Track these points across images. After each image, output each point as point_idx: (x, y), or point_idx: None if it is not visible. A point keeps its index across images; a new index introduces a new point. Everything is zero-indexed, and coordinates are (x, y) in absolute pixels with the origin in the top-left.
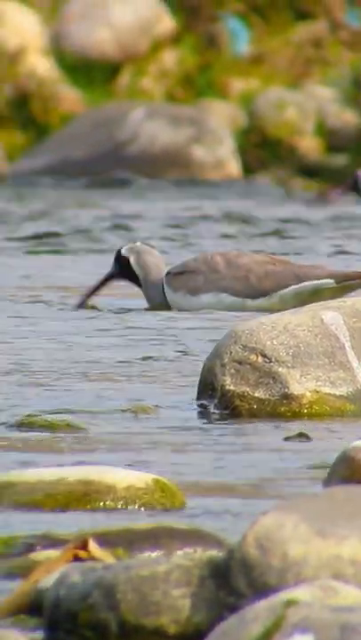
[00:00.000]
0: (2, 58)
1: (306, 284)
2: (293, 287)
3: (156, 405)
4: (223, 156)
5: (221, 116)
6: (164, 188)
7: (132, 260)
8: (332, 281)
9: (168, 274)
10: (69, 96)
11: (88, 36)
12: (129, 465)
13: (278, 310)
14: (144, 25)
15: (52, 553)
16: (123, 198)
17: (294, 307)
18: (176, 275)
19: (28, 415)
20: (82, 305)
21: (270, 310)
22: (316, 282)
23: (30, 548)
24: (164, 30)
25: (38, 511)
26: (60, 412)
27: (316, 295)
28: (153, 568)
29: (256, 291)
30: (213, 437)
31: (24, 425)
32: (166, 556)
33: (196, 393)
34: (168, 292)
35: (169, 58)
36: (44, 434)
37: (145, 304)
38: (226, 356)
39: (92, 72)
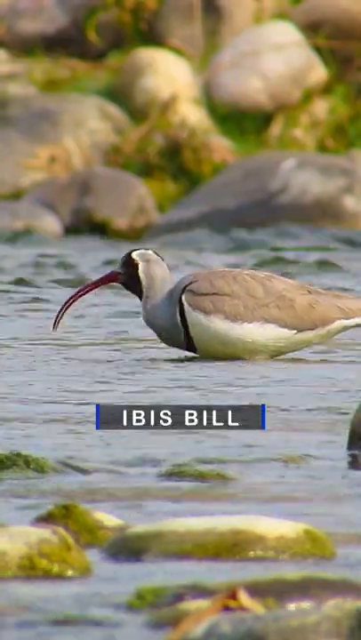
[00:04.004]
0: (153, 107)
1: (357, 320)
2: (342, 322)
3: (306, 455)
4: None
5: None
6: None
7: (140, 266)
8: None
9: (189, 292)
10: (221, 146)
11: (239, 86)
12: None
13: (319, 342)
14: (296, 75)
15: (202, 603)
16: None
17: (331, 338)
18: (204, 295)
19: (178, 465)
20: (65, 307)
21: (311, 342)
22: None
23: (180, 597)
24: (316, 80)
25: (188, 561)
26: (209, 462)
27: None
28: (303, 618)
29: (303, 323)
30: None
31: (174, 474)
32: (316, 606)
33: (344, 442)
34: (194, 313)
35: (320, 108)
36: (194, 483)
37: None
38: None
39: (244, 122)
